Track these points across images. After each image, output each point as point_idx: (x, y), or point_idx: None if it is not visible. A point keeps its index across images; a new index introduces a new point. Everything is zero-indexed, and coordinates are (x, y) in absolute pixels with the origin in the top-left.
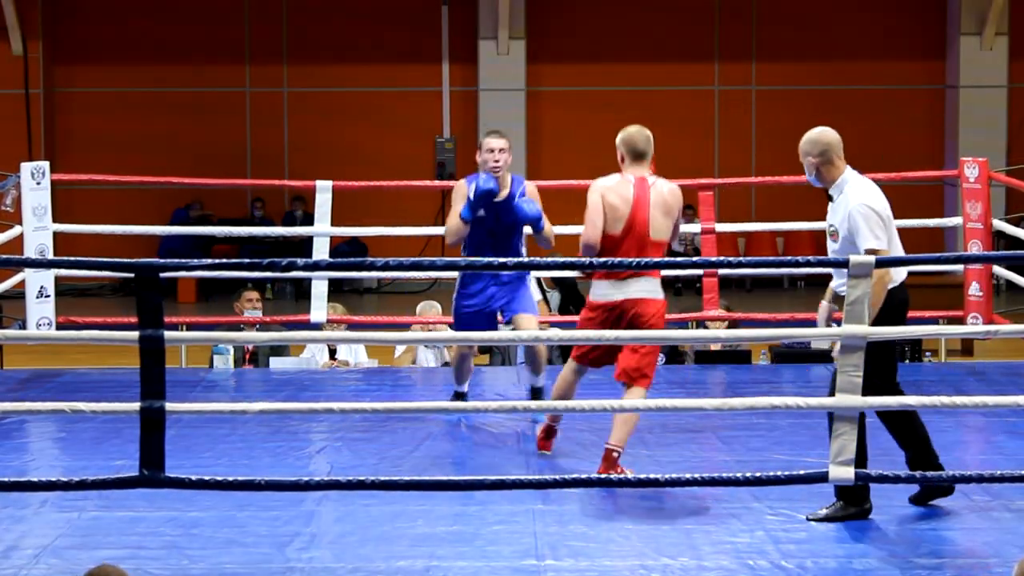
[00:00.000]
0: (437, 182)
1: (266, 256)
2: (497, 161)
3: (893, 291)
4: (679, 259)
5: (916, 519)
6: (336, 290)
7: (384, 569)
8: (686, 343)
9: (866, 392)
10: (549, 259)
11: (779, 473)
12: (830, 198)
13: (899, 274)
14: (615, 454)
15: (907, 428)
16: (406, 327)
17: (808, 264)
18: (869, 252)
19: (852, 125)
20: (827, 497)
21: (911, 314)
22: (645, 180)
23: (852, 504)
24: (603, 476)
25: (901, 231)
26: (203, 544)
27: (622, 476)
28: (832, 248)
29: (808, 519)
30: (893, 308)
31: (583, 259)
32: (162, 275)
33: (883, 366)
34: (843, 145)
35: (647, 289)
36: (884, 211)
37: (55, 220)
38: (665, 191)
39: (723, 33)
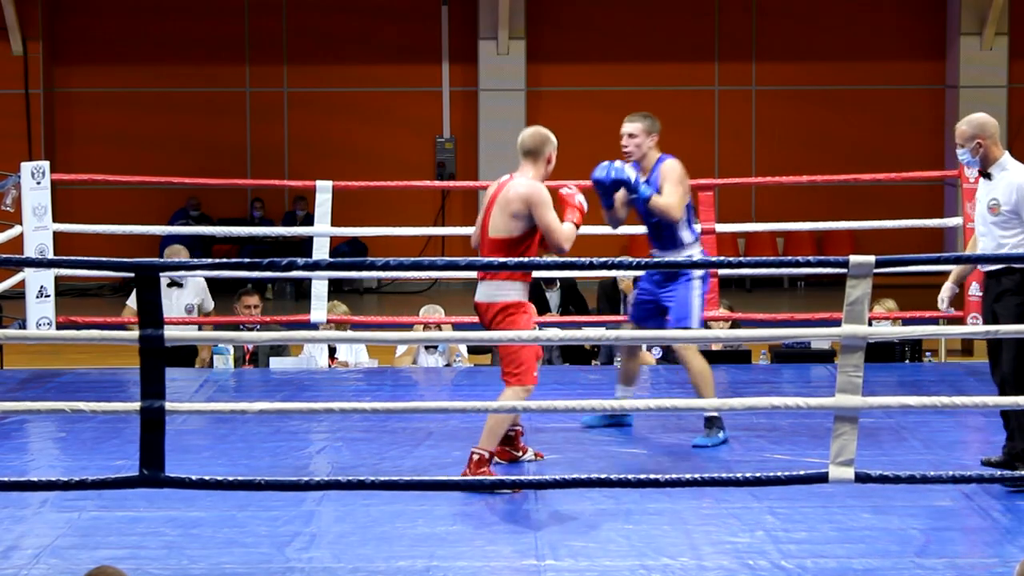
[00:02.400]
0: (437, 182)
1: (266, 256)
2: (626, 147)
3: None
4: (679, 259)
5: (916, 519)
6: (336, 290)
7: (384, 569)
8: (686, 343)
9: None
10: (549, 259)
11: (779, 473)
12: (988, 176)
13: None
14: (476, 456)
15: None
16: (407, 327)
17: (808, 264)
18: None
19: (852, 125)
20: (827, 497)
21: (911, 314)
22: (508, 179)
23: None
24: (603, 476)
25: (901, 231)
26: (203, 544)
27: (622, 476)
28: (992, 220)
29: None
30: None
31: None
32: (162, 275)
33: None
34: (844, 145)
35: (484, 293)
36: None
37: (55, 220)
38: (512, 188)
39: (723, 33)
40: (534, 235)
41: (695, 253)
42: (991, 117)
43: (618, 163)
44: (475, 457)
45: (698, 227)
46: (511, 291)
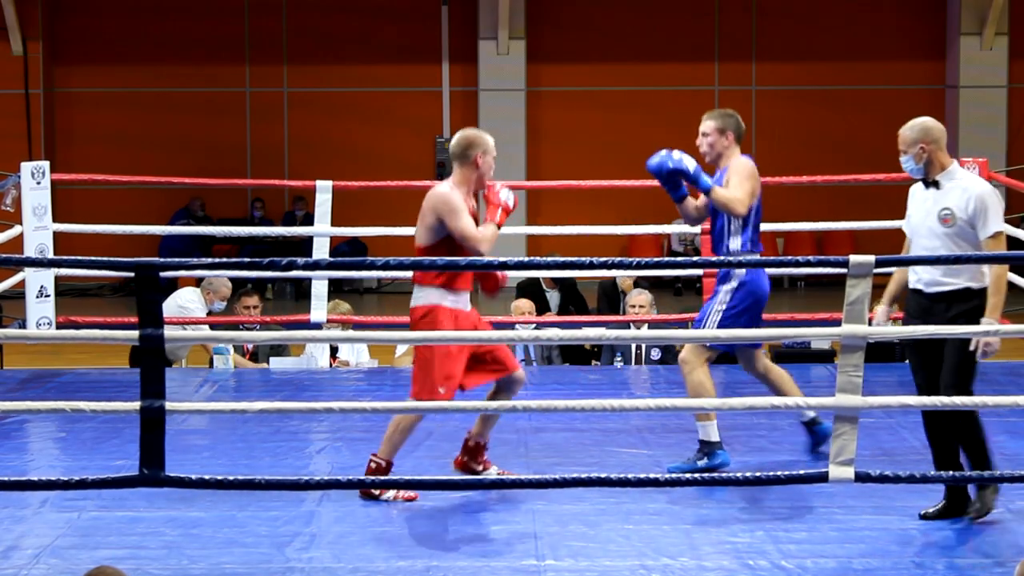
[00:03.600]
0: (437, 182)
1: (266, 256)
2: (700, 146)
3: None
4: (679, 259)
5: (915, 519)
6: (336, 290)
7: (384, 569)
8: (686, 343)
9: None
10: (550, 259)
11: (779, 473)
12: (935, 185)
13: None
14: (374, 464)
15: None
16: (407, 327)
17: (808, 264)
18: (995, 235)
19: (852, 125)
20: (827, 497)
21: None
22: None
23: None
24: (603, 476)
25: (901, 231)
26: (203, 544)
27: (622, 476)
28: (945, 232)
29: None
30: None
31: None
32: (162, 275)
33: (964, 370)
34: (844, 145)
35: (412, 297)
36: (1002, 201)
37: (55, 220)
38: (426, 198)
39: (723, 33)
40: (449, 243)
41: (734, 272)
42: (937, 122)
43: (676, 153)
44: (372, 465)
45: (755, 240)
46: (430, 296)
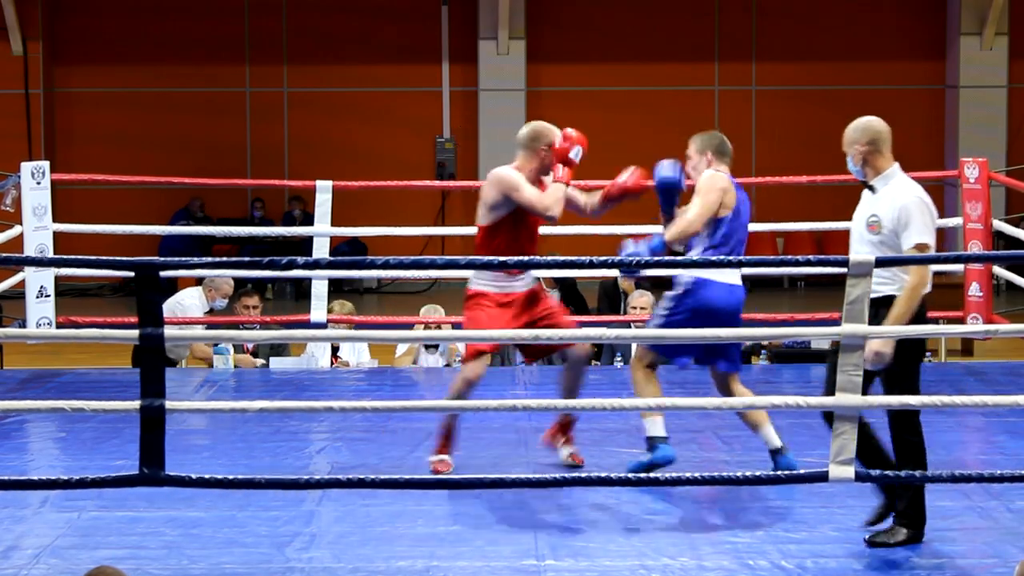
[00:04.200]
0: (437, 182)
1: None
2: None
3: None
4: (680, 259)
5: None
6: (336, 290)
7: (384, 569)
8: (686, 343)
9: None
10: (549, 259)
11: (779, 473)
12: (871, 189)
13: (928, 282)
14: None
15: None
16: (407, 327)
17: (808, 264)
18: (919, 247)
19: None
20: (827, 497)
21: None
22: None
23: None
24: (603, 476)
25: None
26: (203, 544)
27: (622, 476)
28: (869, 240)
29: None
30: (922, 318)
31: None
32: (162, 274)
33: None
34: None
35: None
36: (933, 209)
37: (55, 220)
38: (486, 180)
39: (723, 33)
40: (510, 222)
41: (682, 278)
42: (881, 124)
43: (670, 165)
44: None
45: (723, 250)
46: (480, 280)
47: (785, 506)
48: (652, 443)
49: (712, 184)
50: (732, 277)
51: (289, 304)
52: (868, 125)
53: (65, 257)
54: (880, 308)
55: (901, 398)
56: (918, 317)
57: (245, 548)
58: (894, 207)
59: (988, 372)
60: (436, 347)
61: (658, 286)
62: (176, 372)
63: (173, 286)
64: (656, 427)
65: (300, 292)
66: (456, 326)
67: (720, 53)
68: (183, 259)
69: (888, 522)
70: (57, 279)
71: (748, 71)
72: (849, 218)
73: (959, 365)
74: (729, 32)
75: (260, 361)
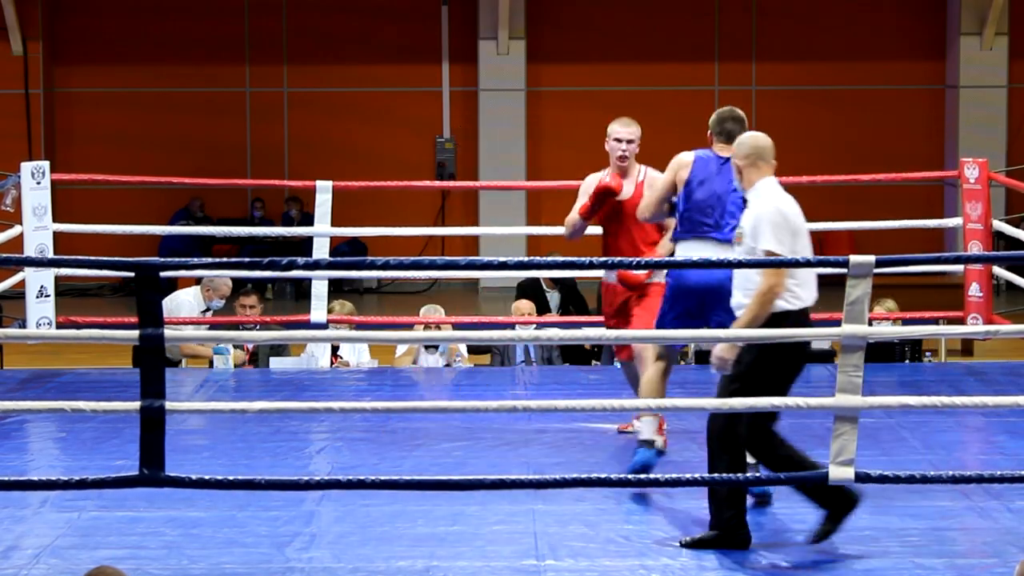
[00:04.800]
0: (437, 182)
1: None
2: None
3: (791, 314)
4: (679, 259)
5: (915, 519)
6: (336, 290)
7: (384, 569)
8: (686, 343)
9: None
10: (550, 259)
11: (779, 473)
12: (746, 202)
13: (802, 293)
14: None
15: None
16: (407, 327)
17: (808, 264)
18: (767, 255)
19: (852, 125)
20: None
21: (911, 314)
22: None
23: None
24: (603, 476)
25: (901, 231)
26: (203, 544)
27: (622, 476)
28: (738, 250)
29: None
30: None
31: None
32: (162, 274)
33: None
34: (844, 145)
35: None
36: (794, 219)
37: (55, 220)
38: None
39: (723, 33)
40: (608, 216)
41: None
42: (759, 138)
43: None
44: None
45: (686, 227)
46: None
47: (785, 506)
48: (640, 445)
49: (657, 175)
50: (708, 254)
51: (289, 304)
52: (748, 140)
53: (65, 257)
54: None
55: (901, 399)
56: (800, 322)
57: (245, 548)
58: (751, 217)
59: (988, 372)
60: (436, 347)
61: None
62: (176, 372)
63: (173, 286)
64: (646, 429)
65: (300, 292)
66: (457, 326)
67: (720, 53)
68: (183, 259)
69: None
70: (57, 279)
71: (748, 71)
72: (849, 218)
73: (959, 365)
74: (729, 32)
75: (240, 353)
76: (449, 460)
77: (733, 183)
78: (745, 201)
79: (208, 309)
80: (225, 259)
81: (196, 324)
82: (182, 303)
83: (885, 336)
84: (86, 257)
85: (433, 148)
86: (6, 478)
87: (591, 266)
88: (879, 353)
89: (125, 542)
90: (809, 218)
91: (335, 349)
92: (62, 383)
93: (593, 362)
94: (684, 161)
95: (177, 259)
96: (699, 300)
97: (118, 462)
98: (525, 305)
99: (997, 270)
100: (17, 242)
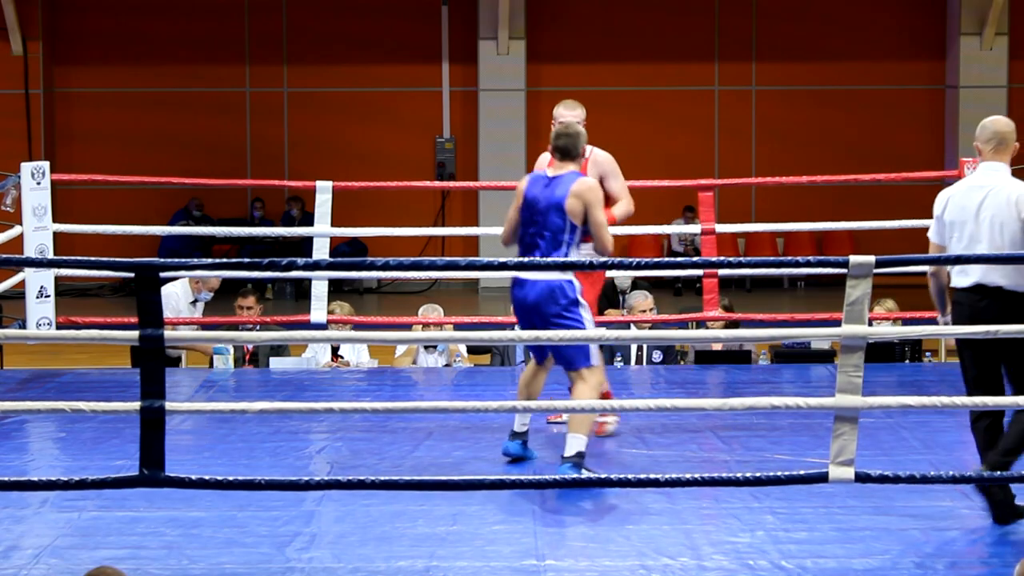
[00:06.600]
0: (437, 182)
1: (266, 256)
2: None
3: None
4: (680, 259)
5: (914, 519)
6: (336, 290)
7: (384, 569)
8: (687, 343)
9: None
10: (549, 259)
11: (779, 473)
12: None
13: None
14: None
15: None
16: (407, 327)
17: (808, 264)
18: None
19: (852, 125)
20: (827, 497)
21: (911, 314)
22: None
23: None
24: (603, 476)
25: (901, 231)
26: (203, 544)
27: (622, 476)
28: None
29: None
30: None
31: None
32: (162, 275)
33: None
34: (844, 145)
35: None
36: None
37: (55, 220)
38: None
39: (723, 33)
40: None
41: None
42: (1004, 122)
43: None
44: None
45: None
46: None
47: (785, 506)
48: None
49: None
50: (525, 274)
51: (289, 304)
52: (990, 125)
53: (65, 258)
54: None
55: (901, 399)
56: None
57: (245, 548)
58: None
59: None
60: (435, 347)
61: (657, 286)
62: (176, 372)
63: None
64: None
65: (300, 292)
66: (457, 326)
67: (720, 53)
68: (183, 260)
69: None
70: (57, 279)
71: (748, 71)
72: (849, 218)
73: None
74: (729, 32)
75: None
76: (449, 460)
77: (557, 198)
78: None
79: (196, 300)
80: (225, 259)
81: (196, 324)
82: (169, 294)
83: (885, 336)
84: (86, 257)
85: (433, 148)
86: (6, 478)
87: (591, 266)
88: (879, 353)
89: (125, 542)
90: (809, 218)
91: (335, 349)
92: (62, 383)
93: None
94: (520, 184)
95: (177, 260)
96: (522, 315)
97: (118, 462)
98: None
99: None
100: (17, 242)
